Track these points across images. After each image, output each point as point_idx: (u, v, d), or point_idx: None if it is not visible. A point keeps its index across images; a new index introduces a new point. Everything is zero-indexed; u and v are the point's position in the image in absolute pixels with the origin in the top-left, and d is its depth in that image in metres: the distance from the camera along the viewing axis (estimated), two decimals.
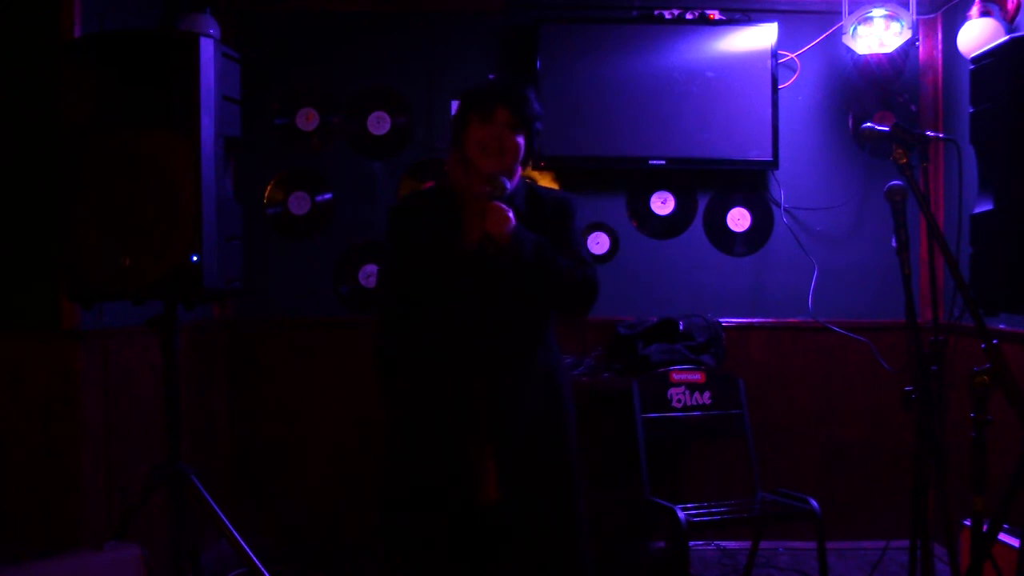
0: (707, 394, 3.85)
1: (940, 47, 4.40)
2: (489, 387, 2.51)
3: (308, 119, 4.42)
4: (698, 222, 4.46)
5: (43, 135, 3.09)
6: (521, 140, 2.52)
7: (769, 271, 4.44)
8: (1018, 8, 3.72)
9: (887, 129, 2.61)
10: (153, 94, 2.69)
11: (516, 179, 2.57)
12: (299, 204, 4.42)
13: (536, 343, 2.59)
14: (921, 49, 4.43)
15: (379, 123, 4.44)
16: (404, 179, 4.43)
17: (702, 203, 4.46)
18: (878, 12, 4.17)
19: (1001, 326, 3.54)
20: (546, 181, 4.34)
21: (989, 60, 2.53)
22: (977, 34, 3.76)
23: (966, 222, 2.60)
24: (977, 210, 2.55)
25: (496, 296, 2.52)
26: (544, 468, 2.55)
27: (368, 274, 4.42)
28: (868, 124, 2.68)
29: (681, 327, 4.10)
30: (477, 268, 2.50)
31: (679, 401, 3.81)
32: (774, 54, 4.28)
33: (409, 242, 2.62)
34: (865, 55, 4.29)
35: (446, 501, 2.53)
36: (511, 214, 2.43)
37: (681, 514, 3.30)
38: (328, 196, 4.43)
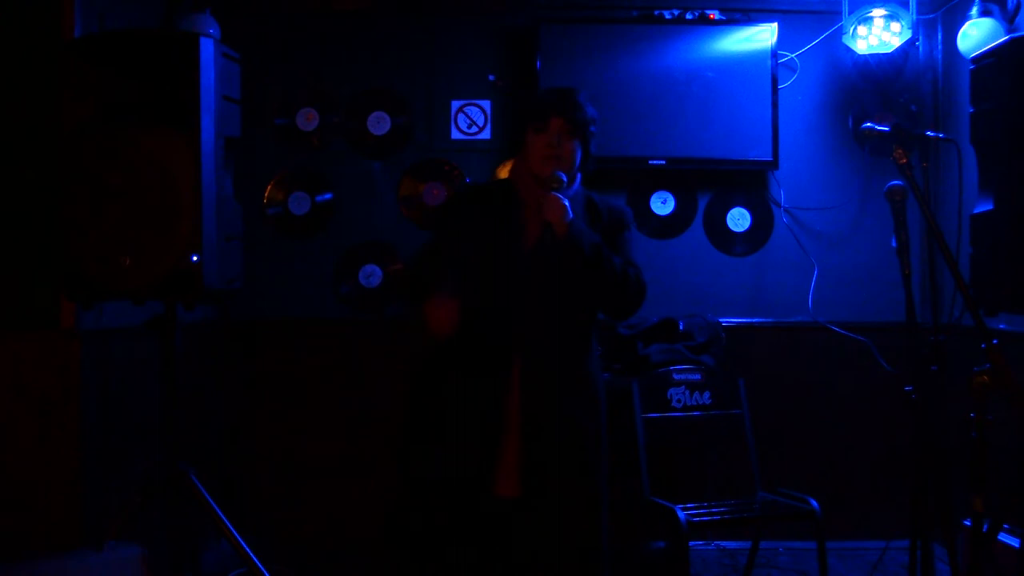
0: (707, 394, 3.84)
1: (940, 47, 4.40)
2: (530, 386, 2.55)
3: (308, 119, 4.42)
4: (698, 222, 4.46)
5: (43, 135, 3.09)
6: (576, 145, 2.60)
7: (769, 271, 4.44)
8: (1018, 8, 3.72)
9: (887, 129, 2.62)
10: (153, 94, 2.69)
11: (576, 186, 2.66)
12: (299, 204, 4.42)
13: (583, 348, 2.66)
14: (921, 49, 4.43)
15: (379, 123, 4.44)
16: (404, 179, 4.43)
17: (702, 203, 4.46)
18: (878, 12, 4.17)
19: (1001, 326, 3.54)
20: None
21: (989, 60, 2.54)
22: (977, 34, 3.77)
23: (966, 222, 2.61)
24: (977, 210, 2.55)
25: (549, 297, 2.57)
26: (573, 471, 2.58)
27: (368, 274, 4.41)
28: (868, 124, 2.68)
29: (681, 327, 4.09)
30: (534, 267, 2.56)
31: (679, 401, 3.81)
32: (774, 54, 4.28)
33: (467, 236, 2.64)
34: (865, 55, 4.29)
35: (465, 493, 2.57)
36: (567, 203, 2.50)
37: (681, 514, 3.30)
38: (328, 196, 4.43)
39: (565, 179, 2.56)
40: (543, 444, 2.54)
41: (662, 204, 4.45)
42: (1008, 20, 3.76)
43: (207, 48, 2.69)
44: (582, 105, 2.60)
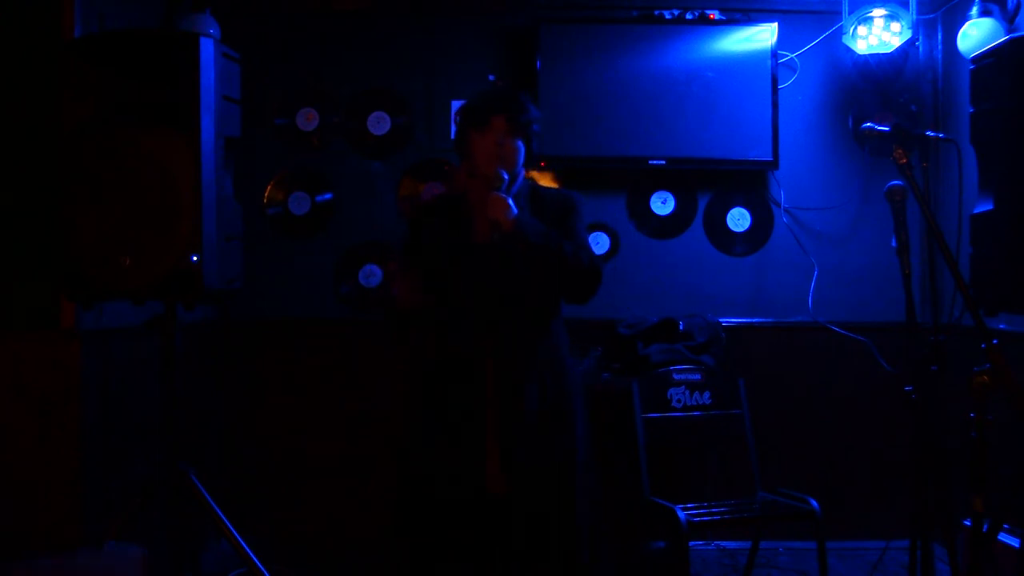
0: (707, 394, 3.84)
1: (940, 47, 4.40)
2: (495, 381, 2.58)
3: (308, 119, 4.42)
4: (698, 222, 4.46)
5: (43, 135, 3.09)
6: (520, 143, 2.65)
7: (769, 271, 4.44)
8: (1018, 8, 3.72)
9: (887, 129, 2.62)
10: (153, 94, 2.69)
11: (520, 180, 2.69)
12: (299, 204, 4.42)
13: (542, 337, 2.67)
14: (921, 49, 4.43)
15: (379, 123, 4.44)
16: (404, 179, 4.43)
17: (702, 203, 4.46)
18: (878, 12, 4.17)
19: (1001, 326, 3.54)
20: (546, 181, 4.33)
21: (989, 60, 2.54)
22: (977, 34, 3.77)
23: (966, 222, 2.61)
24: (977, 210, 2.55)
25: (503, 291, 2.61)
26: (548, 462, 2.60)
27: (368, 274, 4.41)
28: (868, 124, 2.68)
29: (681, 327, 4.10)
30: (486, 265, 2.61)
31: (679, 401, 3.81)
32: (774, 54, 4.28)
33: (424, 243, 2.71)
34: (865, 55, 4.29)
35: (455, 493, 2.59)
36: (511, 201, 2.54)
37: (681, 514, 3.30)
38: (328, 196, 4.43)
39: (507, 177, 2.60)
40: (513, 437, 2.57)
41: (662, 204, 4.45)
42: (1008, 20, 3.76)
43: (207, 48, 2.69)
44: (524, 104, 2.66)
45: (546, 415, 2.61)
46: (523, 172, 2.72)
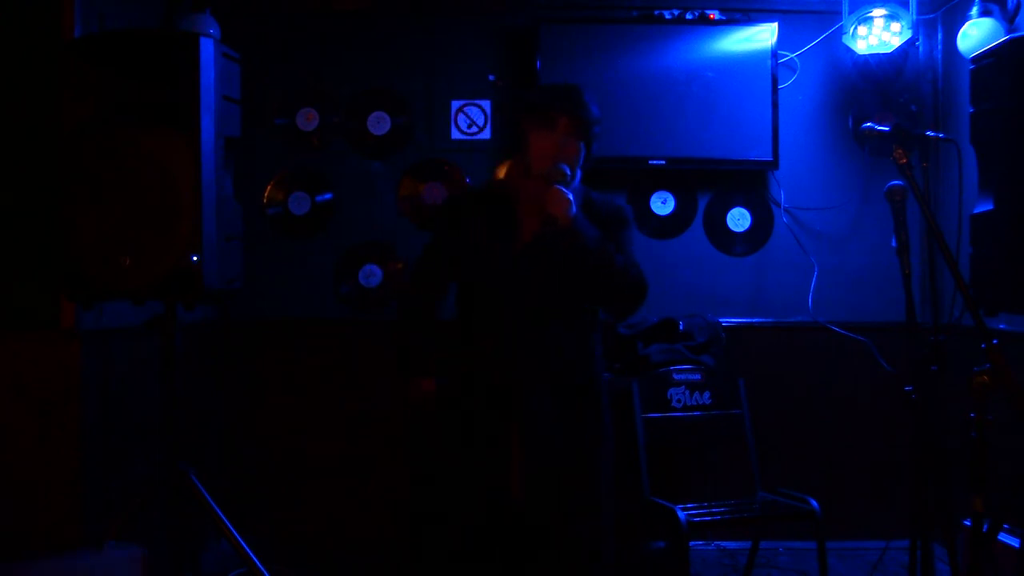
0: (707, 394, 3.84)
1: (940, 47, 4.40)
2: (523, 388, 2.55)
3: (308, 119, 4.42)
4: (698, 222, 4.46)
5: (43, 135, 3.09)
6: (581, 144, 2.59)
7: (769, 271, 4.44)
8: (1018, 8, 3.72)
9: (887, 129, 2.62)
10: (153, 94, 2.69)
11: (576, 182, 2.64)
12: (299, 204, 4.42)
13: (583, 345, 2.64)
14: (921, 49, 4.43)
15: (379, 123, 4.44)
16: (404, 179, 4.43)
17: (702, 203, 4.46)
18: (878, 12, 4.17)
19: (1001, 326, 3.54)
20: None
21: (989, 60, 2.54)
22: (977, 34, 3.77)
23: (966, 222, 2.61)
24: (977, 210, 2.55)
25: (546, 294, 2.57)
26: (571, 472, 2.58)
27: (368, 274, 4.41)
28: (868, 124, 2.68)
29: (681, 327, 4.09)
30: (530, 263, 2.56)
31: (679, 401, 3.81)
32: (774, 54, 4.28)
33: (461, 239, 2.65)
34: (865, 55, 4.29)
35: (473, 496, 2.58)
36: (572, 197, 2.48)
37: (681, 514, 3.30)
38: (328, 196, 4.43)
39: (568, 172, 2.55)
40: (542, 447, 2.54)
41: (662, 204, 4.45)
42: (1008, 20, 3.76)
43: (207, 48, 2.69)
44: (587, 104, 2.59)
45: (576, 420, 2.58)
46: (580, 174, 2.66)
